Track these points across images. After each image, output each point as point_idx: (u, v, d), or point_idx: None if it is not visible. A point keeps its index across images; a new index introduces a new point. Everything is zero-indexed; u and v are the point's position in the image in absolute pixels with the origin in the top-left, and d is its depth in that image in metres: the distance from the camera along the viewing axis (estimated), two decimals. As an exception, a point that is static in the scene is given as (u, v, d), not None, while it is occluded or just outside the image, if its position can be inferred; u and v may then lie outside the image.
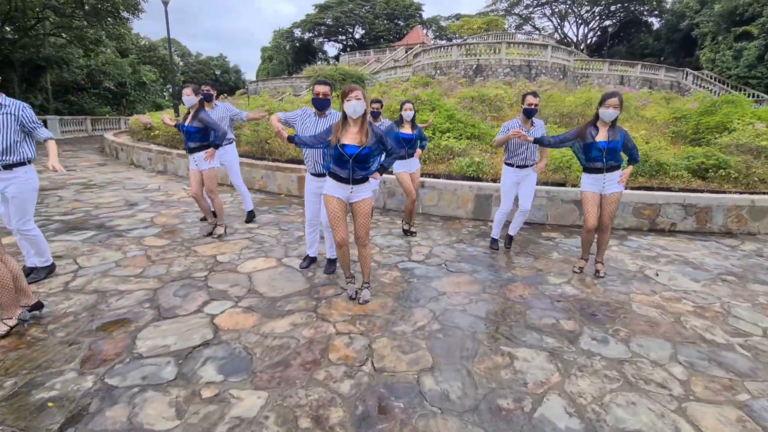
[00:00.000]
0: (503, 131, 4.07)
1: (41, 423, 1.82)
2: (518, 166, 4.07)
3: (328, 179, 2.92)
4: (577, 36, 47.93)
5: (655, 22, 43.09)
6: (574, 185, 5.71)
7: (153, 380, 2.12)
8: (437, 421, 1.89)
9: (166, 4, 11.88)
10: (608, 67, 24.33)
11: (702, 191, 5.64)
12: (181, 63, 49.37)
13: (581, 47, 44.36)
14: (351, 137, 2.75)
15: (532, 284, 3.49)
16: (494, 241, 4.41)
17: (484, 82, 17.20)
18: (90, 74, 23.99)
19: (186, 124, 4.27)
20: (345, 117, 2.76)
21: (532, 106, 3.84)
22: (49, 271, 3.35)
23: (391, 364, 2.32)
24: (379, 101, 4.64)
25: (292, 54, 53.04)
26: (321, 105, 3.26)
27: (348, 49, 48.20)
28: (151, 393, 2.02)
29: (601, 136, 3.46)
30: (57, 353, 2.33)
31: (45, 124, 18.16)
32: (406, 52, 38.40)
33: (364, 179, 2.87)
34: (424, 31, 48.58)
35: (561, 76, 20.67)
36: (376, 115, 4.61)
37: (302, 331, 2.64)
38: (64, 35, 20.67)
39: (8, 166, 2.87)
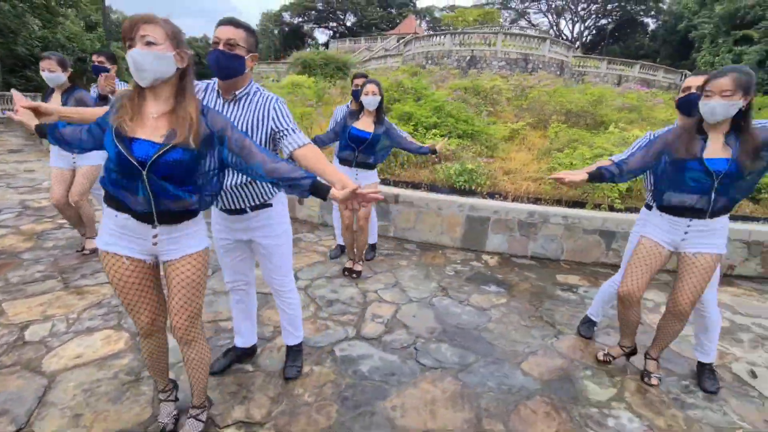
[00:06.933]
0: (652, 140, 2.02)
1: None
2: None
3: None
4: (572, 33, 46.92)
5: (651, 23, 42.42)
6: (597, 206, 4.31)
7: None
8: None
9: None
10: (606, 65, 23.20)
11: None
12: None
13: (576, 45, 43.36)
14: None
15: (561, 404, 2.03)
16: (589, 323, 2.65)
17: (478, 75, 15.74)
18: (46, 47, 21.56)
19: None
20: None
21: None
22: None
23: None
24: (363, 75, 3.45)
25: (281, 38, 50.49)
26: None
27: (338, 36, 46.09)
28: None
29: (713, 150, 1.80)
30: None
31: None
32: (398, 41, 36.61)
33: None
34: (418, 21, 46.80)
35: (558, 72, 19.33)
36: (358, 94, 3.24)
37: None
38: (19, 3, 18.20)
39: None
